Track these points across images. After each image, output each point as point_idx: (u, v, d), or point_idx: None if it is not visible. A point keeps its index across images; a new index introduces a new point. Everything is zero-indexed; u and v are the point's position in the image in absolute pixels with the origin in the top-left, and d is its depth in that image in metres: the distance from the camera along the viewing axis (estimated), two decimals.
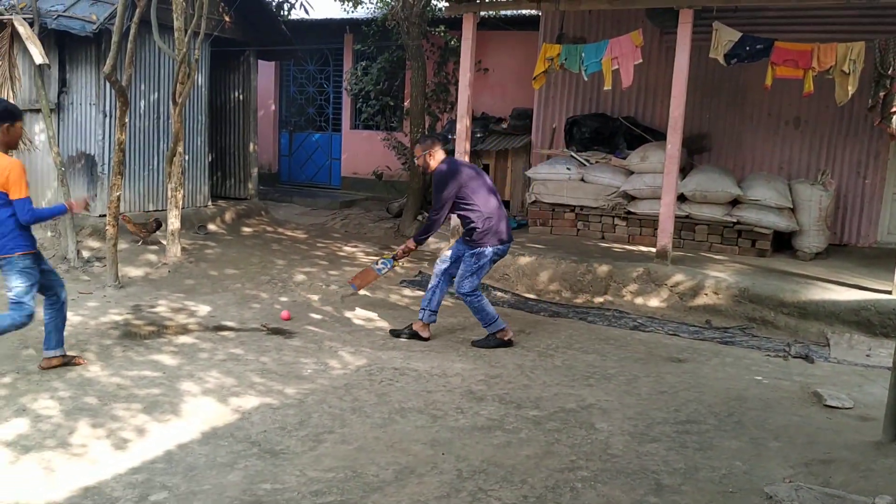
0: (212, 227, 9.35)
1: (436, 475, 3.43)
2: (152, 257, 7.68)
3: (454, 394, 4.50)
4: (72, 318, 5.61)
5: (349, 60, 13.53)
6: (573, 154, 9.04)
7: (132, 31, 6.82)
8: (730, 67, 7.49)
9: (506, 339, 5.53)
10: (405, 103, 12.37)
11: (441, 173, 5.41)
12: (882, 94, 6.60)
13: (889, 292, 6.27)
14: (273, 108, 14.49)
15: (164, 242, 7.81)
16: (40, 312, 4.57)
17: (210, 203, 9.90)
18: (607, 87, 7.44)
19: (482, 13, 8.71)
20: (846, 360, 5.52)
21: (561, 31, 9.76)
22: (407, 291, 7.22)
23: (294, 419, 4.02)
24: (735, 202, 7.95)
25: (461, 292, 5.48)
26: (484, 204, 5.37)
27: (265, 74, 13.27)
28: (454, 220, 7.49)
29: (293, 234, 9.83)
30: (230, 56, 10.37)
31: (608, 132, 9.31)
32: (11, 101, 7.92)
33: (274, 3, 11.42)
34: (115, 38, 6.41)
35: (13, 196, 4.24)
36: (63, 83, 8.54)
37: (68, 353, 4.70)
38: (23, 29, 7.69)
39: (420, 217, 9.94)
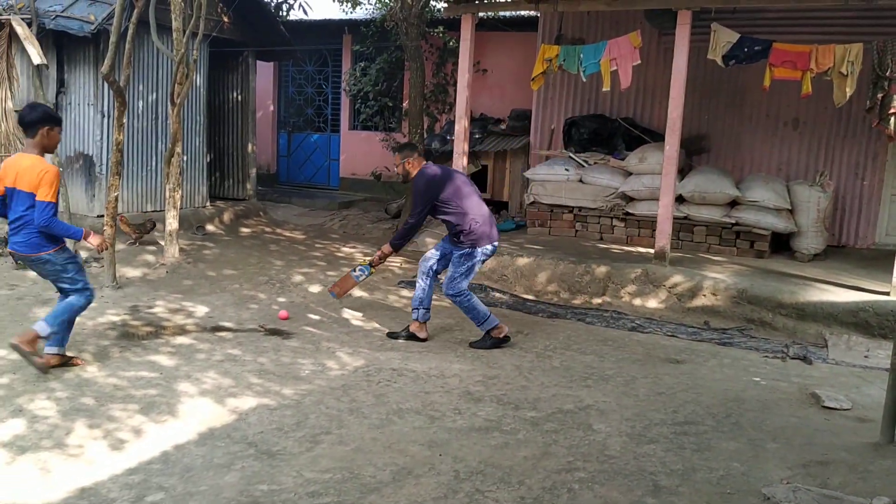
0: (210, 227, 9.35)
1: (433, 476, 3.42)
2: (150, 258, 7.67)
3: (452, 395, 4.50)
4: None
5: (348, 61, 13.53)
6: (572, 155, 9.05)
7: (130, 32, 6.81)
8: (728, 69, 7.50)
9: (501, 336, 5.53)
10: (404, 104, 12.38)
11: (420, 178, 5.42)
12: (880, 95, 6.60)
13: (887, 293, 6.27)
14: (272, 108, 14.49)
15: (162, 243, 7.80)
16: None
17: (208, 204, 9.89)
18: (606, 88, 7.44)
19: (481, 14, 8.70)
20: (844, 362, 5.52)
21: (559, 32, 9.77)
22: (405, 292, 7.21)
23: (291, 420, 4.01)
24: (733, 203, 7.95)
25: (450, 294, 5.48)
26: (468, 206, 5.39)
27: (264, 75, 13.26)
28: None
29: (291, 234, 9.82)
30: (229, 56, 10.36)
31: (607, 133, 9.31)
32: (9, 101, 7.94)
33: (273, 4, 11.42)
34: (112, 39, 6.39)
35: (38, 197, 4.29)
36: (61, 83, 8.53)
37: (66, 354, 4.69)
38: (21, 29, 7.69)
39: None
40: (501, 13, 11.37)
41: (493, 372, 4.97)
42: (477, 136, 10.59)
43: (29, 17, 7.93)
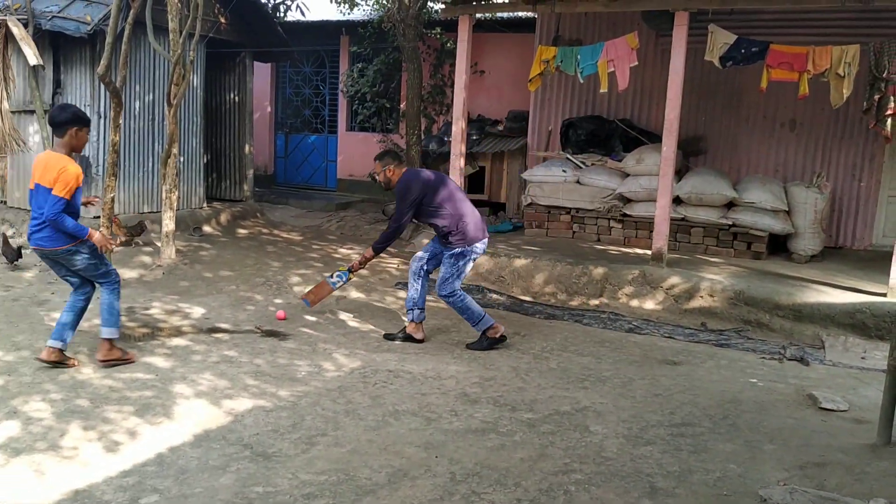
0: (207, 228, 9.33)
1: (429, 478, 3.41)
2: (147, 259, 7.65)
3: (448, 396, 4.48)
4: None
5: (345, 62, 13.52)
6: (569, 156, 9.05)
7: (126, 33, 6.80)
8: (725, 70, 7.50)
9: (497, 335, 5.52)
10: (401, 105, 12.38)
11: (403, 184, 5.43)
12: (877, 96, 6.61)
13: (884, 295, 6.27)
14: (269, 109, 14.48)
15: (159, 244, 7.78)
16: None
17: (205, 205, 9.87)
18: (603, 89, 7.44)
19: (478, 15, 8.69)
20: (841, 363, 5.51)
21: (557, 33, 9.77)
22: (402, 293, 7.19)
23: (287, 422, 4.00)
24: (731, 205, 7.95)
25: (443, 294, 5.48)
26: (454, 208, 5.40)
27: (261, 76, 13.26)
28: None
29: (288, 235, 9.81)
30: (226, 57, 10.35)
31: (604, 134, 9.31)
32: (5, 102, 7.92)
33: (270, 5, 11.43)
34: (109, 40, 6.38)
35: (54, 191, 4.36)
36: (57, 84, 8.51)
37: (65, 354, 4.68)
38: (17, 30, 7.67)
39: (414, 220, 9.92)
40: (499, 14, 11.37)
41: (489, 373, 4.96)
42: (474, 138, 10.59)
43: (25, 17, 7.91)
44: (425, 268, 5.63)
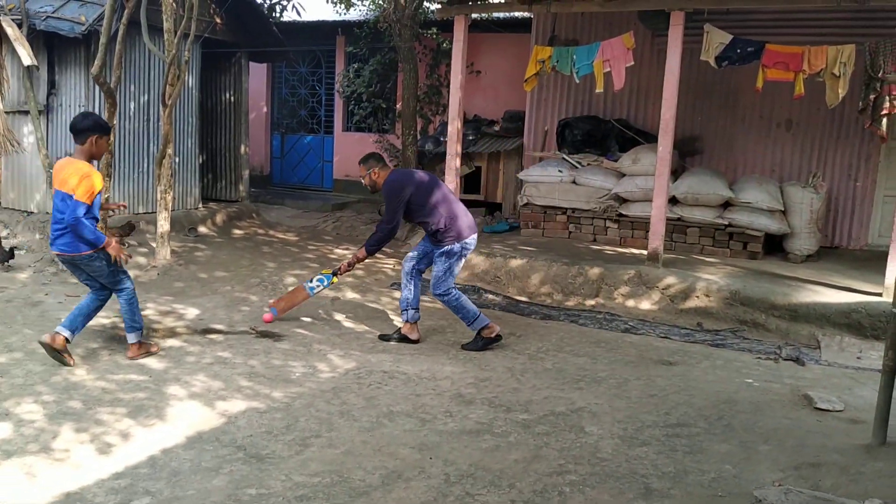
0: (202, 229, 9.30)
1: (423, 479, 3.40)
2: (142, 260, 7.62)
3: (443, 397, 4.47)
4: (60, 321, 5.56)
5: (341, 62, 13.50)
6: (565, 156, 9.04)
7: (121, 33, 6.78)
8: (721, 70, 7.50)
9: (493, 335, 5.51)
10: (397, 106, 12.35)
11: (389, 185, 5.43)
12: (872, 96, 6.61)
13: (880, 294, 6.27)
14: (265, 110, 14.45)
15: (154, 245, 7.75)
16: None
17: (201, 205, 9.84)
18: (599, 89, 7.43)
19: (474, 15, 8.69)
20: (837, 363, 5.51)
21: (553, 33, 9.76)
22: (397, 294, 7.16)
23: (281, 423, 3.98)
24: (727, 205, 7.95)
25: (437, 293, 5.47)
26: (442, 205, 5.39)
27: (257, 76, 13.23)
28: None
29: (284, 236, 9.79)
30: (221, 58, 10.32)
31: (600, 134, 9.30)
32: None
33: (266, 5, 11.39)
34: (102, 40, 6.37)
35: (76, 196, 4.47)
36: (52, 85, 8.49)
37: (67, 349, 4.71)
38: (11, 30, 7.64)
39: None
40: (495, 14, 11.36)
41: (484, 374, 4.95)
42: (470, 138, 10.58)
43: (19, 17, 7.88)
44: (417, 267, 5.62)
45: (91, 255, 4.63)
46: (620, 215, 8.47)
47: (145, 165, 8.89)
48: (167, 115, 7.43)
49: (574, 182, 8.67)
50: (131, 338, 4.91)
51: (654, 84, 8.79)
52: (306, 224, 10.83)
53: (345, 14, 13.18)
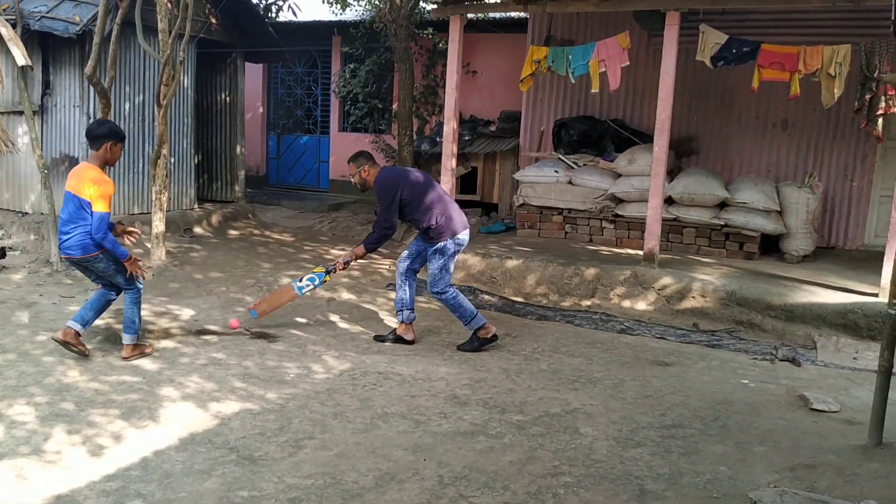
0: (198, 230, 9.28)
1: (416, 481, 3.38)
2: None
3: (438, 398, 4.45)
4: (54, 322, 5.54)
5: (337, 63, 13.48)
6: (561, 157, 9.02)
7: (115, 33, 6.75)
8: (717, 70, 7.49)
9: (489, 336, 5.49)
10: (393, 106, 12.34)
11: (380, 182, 5.42)
12: (868, 96, 6.60)
13: (876, 295, 6.26)
14: (261, 110, 14.42)
15: (149, 245, 7.72)
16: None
17: (196, 206, 9.82)
18: (595, 89, 7.41)
19: (470, 15, 8.66)
20: (833, 364, 5.50)
21: (549, 33, 9.75)
22: (393, 295, 7.13)
23: (274, 425, 3.96)
24: (723, 205, 7.94)
25: (434, 291, 5.45)
26: (434, 202, 5.39)
27: (253, 76, 13.20)
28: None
29: (280, 237, 9.76)
30: (217, 58, 10.30)
31: (596, 135, 9.29)
32: None
33: (261, 5, 11.37)
34: (96, 40, 6.34)
35: (94, 208, 4.57)
36: (46, 85, 8.46)
37: (76, 340, 4.75)
38: (5, 30, 7.59)
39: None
40: (491, 15, 11.34)
41: (480, 375, 4.93)
42: (466, 138, 10.56)
43: (14, 17, 7.84)
44: (411, 266, 5.60)
45: (97, 257, 4.69)
46: (616, 216, 8.46)
47: (140, 166, 8.86)
48: (162, 115, 7.41)
49: (570, 182, 8.66)
50: (127, 338, 4.90)
51: (649, 84, 8.78)
52: (302, 225, 10.81)
53: (341, 14, 13.16)
